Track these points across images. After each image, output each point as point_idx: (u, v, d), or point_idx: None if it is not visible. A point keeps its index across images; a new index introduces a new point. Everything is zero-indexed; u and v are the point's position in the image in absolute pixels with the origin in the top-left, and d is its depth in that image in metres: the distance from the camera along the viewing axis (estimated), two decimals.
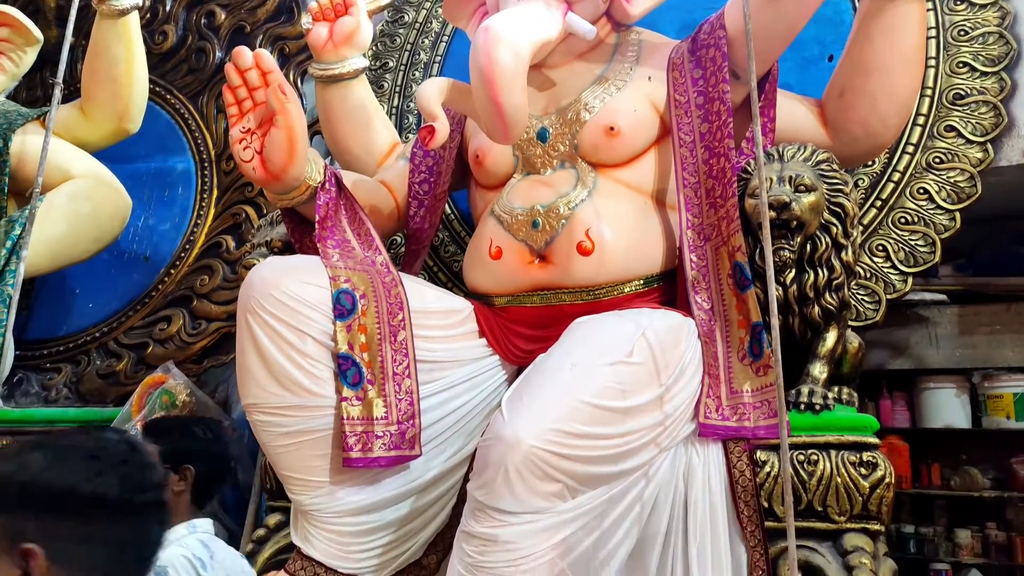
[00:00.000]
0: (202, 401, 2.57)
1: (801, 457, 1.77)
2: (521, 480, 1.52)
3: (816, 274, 1.88)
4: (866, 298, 2.45)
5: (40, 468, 0.89)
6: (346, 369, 1.78)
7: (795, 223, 1.85)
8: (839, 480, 1.73)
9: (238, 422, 2.87)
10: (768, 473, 1.77)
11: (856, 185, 2.35)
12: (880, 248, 2.41)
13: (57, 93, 2.32)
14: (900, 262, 2.38)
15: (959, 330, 3.40)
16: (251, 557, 2.10)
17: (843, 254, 1.88)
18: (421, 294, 2.00)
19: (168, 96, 3.51)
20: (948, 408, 3.45)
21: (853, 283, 2.20)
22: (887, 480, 1.71)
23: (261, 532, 2.14)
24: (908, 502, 3.62)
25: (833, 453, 1.76)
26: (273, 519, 2.15)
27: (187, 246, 3.28)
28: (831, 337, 1.93)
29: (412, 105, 3.03)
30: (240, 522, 2.62)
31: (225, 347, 3.07)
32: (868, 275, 2.40)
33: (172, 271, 3.24)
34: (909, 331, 3.46)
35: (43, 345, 3.27)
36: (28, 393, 3.04)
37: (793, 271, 1.89)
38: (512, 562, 1.53)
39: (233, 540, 2.59)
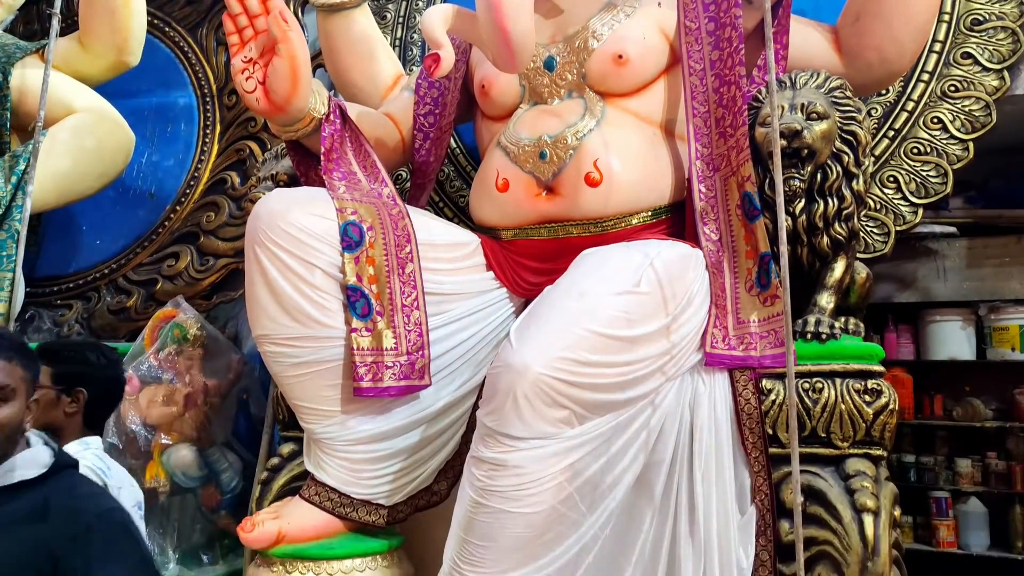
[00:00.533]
0: (213, 335, 2.60)
1: (806, 385, 1.78)
2: (529, 406, 1.55)
3: (826, 204, 1.86)
4: (875, 230, 2.44)
5: None
6: (355, 301, 1.79)
7: (806, 152, 1.82)
8: (843, 407, 1.75)
9: (249, 356, 2.91)
10: (773, 401, 1.79)
11: (869, 115, 2.31)
12: (891, 179, 2.39)
13: (55, 24, 2.28)
14: (911, 193, 2.36)
15: (967, 263, 3.38)
16: (266, 485, 2.15)
17: (854, 183, 1.86)
18: (428, 227, 2.00)
19: (167, 29, 3.44)
20: (953, 340, 3.46)
21: (862, 214, 2.18)
22: (891, 407, 1.73)
23: (275, 461, 2.19)
24: (910, 433, 3.67)
25: (838, 381, 1.77)
26: (286, 448, 2.19)
27: (192, 183, 3.26)
28: (839, 267, 1.93)
29: (416, 36, 2.97)
30: (254, 453, 2.67)
31: (233, 283, 3.09)
32: (878, 207, 2.38)
33: (178, 208, 3.24)
34: (917, 264, 3.45)
35: (53, 282, 3.29)
36: (40, 329, 3.08)
37: (803, 201, 1.88)
38: (520, 486, 1.57)
39: (248, 470, 2.66)
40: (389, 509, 1.89)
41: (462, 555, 1.64)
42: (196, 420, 2.39)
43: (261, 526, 1.78)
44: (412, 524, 1.98)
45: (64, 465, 1.28)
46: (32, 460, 1.26)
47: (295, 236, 1.75)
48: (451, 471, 1.96)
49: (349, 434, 1.85)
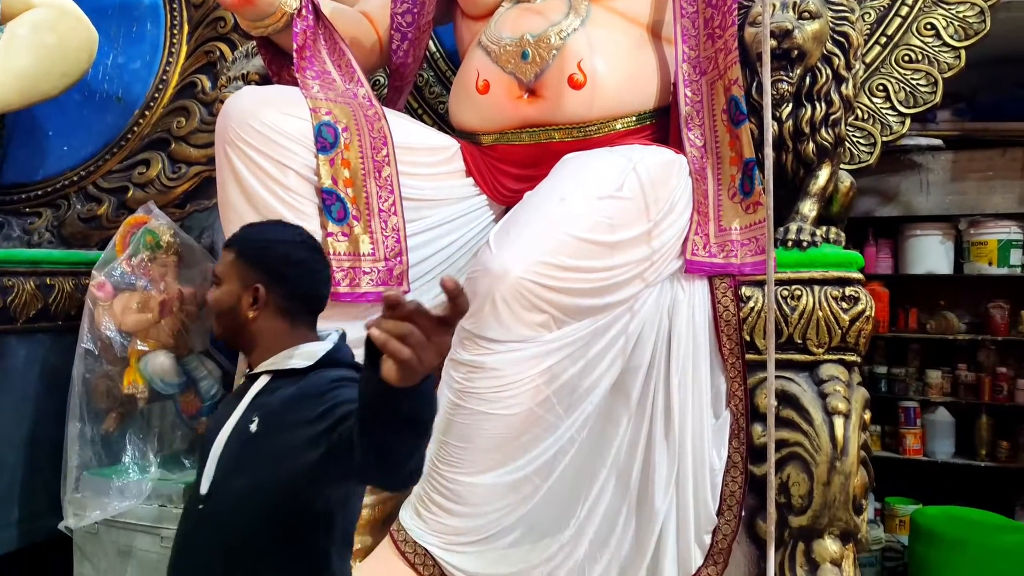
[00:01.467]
0: (187, 243, 2.55)
1: (785, 293, 1.79)
2: (508, 310, 1.54)
3: (814, 108, 1.83)
4: (861, 140, 2.40)
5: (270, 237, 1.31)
6: (330, 204, 1.75)
7: (796, 53, 1.77)
8: (820, 314, 1.76)
9: None
10: (752, 308, 1.80)
11: (862, 19, 2.24)
12: (880, 88, 2.33)
13: None
14: (900, 103, 2.31)
15: (951, 176, 3.37)
16: None
17: (843, 87, 1.82)
18: (405, 129, 1.94)
19: None
20: (932, 255, 3.48)
21: (849, 122, 2.14)
22: (867, 313, 1.74)
23: None
24: (883, 345, 3.73)
25: (817, 288, 1.78)
26: None
27: (160, 86, 3.13)
28: (823, 174, 1.90)
29: None
30: (233, 362, 2.66)
31: (207, 192, 3.02)
32: (865, 116, 2.33)
33: (147, 113, 3.12)
34: (900, 177, 3.44)
35: (21, 189, 3.19)
36: (10, 237, 3.00)
37: (790, 105, 1.84)
38: (498, 388, 1.58)
39: (227, 378, 2.66)
40: None
41: (441, 456, 1.66)
42: (172, 327, 2.36)
43: None
44: None
45: (336, 362, 1.26)
46: (306, 352, 1.26)
47: (267, 136, 1.70)
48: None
49: None
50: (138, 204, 2.93)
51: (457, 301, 0.82)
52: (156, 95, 3.13)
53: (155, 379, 2.33)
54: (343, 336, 1.33)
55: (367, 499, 1.81)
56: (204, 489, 1.25)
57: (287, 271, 1.29)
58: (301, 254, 1.31)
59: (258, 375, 1.30)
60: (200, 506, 1.25)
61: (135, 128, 3.12)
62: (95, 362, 2.29)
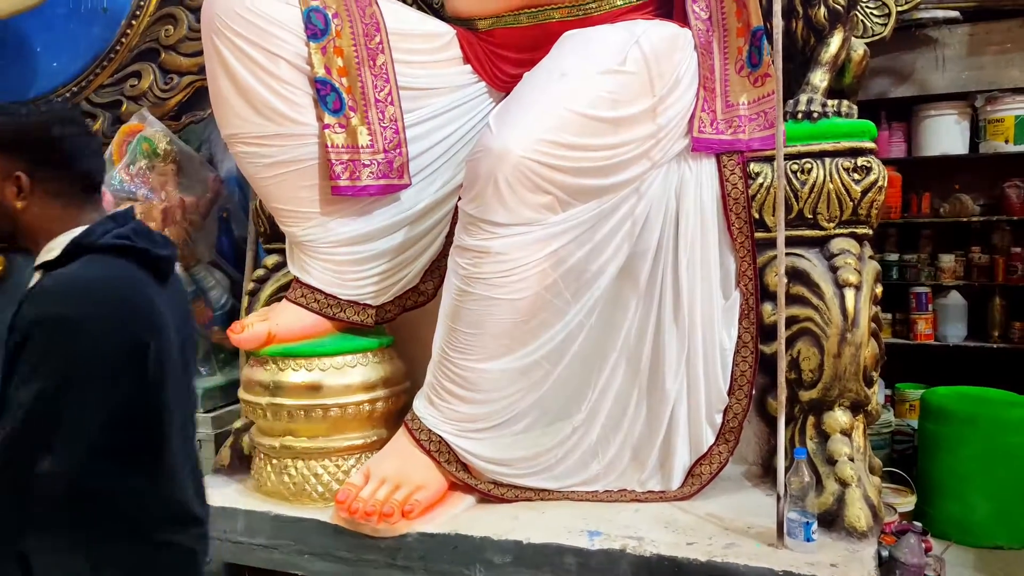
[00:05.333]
0: (185, 152, 2.51)
1: (795, 167, 1.74)
2: (511, 191, 1.51)
3: None
4: (875, 11, 2.31)
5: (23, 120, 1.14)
6: (325, 95, 1.71)
7: None
8: (831, 187, 1.72)
9: (227, 178, 2.84)
10: (760, 185, 1.76)
11: None
12: None
13: None
14: None
15: (967, 51, 3.24)
16: (253, 296, 2.15)
17: None
18: (398, 15, 1.87)
19: None
20: (946, 135, 3.38)
21: None
22: (879, 183, 1.70)
23: (260, 272, 2.18)
24: (895, 232, 3.68)
25: (827, 160, 1.73)
26: (271, 260, 2.17)
27: None
28: (835, 42, 1.83)
29: None
30: (240, 272, 2.67)
31: (201, 102, 2.95)
32: None
33: (133, 22, 3.03)
34: (915, 55, 3.31)
35: None
36: None
37: None
38: (505, 272, 1.57)
39: (235, 287, 2.67)
40: (376, 309, 1.90)
41: (451, 343, 1.66)
42: (177, 237, 2.36)
43: (250, 327, 1.79)
44: (402, 325, 2.00)
45: (87, 248, 1.11)
46: (56, 243, 1.13)
47: (255, 23, 1.63)
48: (437, 271, 1.95)
49: (330, 236, 1.82)
50: None
51: None
52: (141, 3, 3.03)
53: None
54: (117, 215, 1.18)
55: (381, 391, 1.84)
56: None
57: (47, 151, 1.15)
58: (60, 130, 1.15)
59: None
60: None
61: (123, 39, 3.04)
62: None
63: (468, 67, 1.95)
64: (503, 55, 1.94)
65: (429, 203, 1.90)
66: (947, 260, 3.55)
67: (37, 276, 1.14)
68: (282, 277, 2.12)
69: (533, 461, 1.73)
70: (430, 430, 1.71)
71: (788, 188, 1.72)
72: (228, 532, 1.76)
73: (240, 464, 2.01)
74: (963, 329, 3.53)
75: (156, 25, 3.01)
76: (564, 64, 1.61)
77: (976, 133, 3.43)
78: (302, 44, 1.68)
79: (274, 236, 2.12)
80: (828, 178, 1.72)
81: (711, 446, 1.79)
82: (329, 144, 1.71)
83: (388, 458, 1.73)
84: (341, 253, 1.84)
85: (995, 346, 3.44)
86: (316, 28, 1.69)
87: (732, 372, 1.79)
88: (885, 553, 1.77)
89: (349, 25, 1.74)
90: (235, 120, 1.70)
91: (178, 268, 2.36)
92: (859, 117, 1.84)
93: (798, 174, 1.74)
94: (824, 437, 1.68)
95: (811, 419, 1.72)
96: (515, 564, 1.55)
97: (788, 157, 1.72)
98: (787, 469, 1.48)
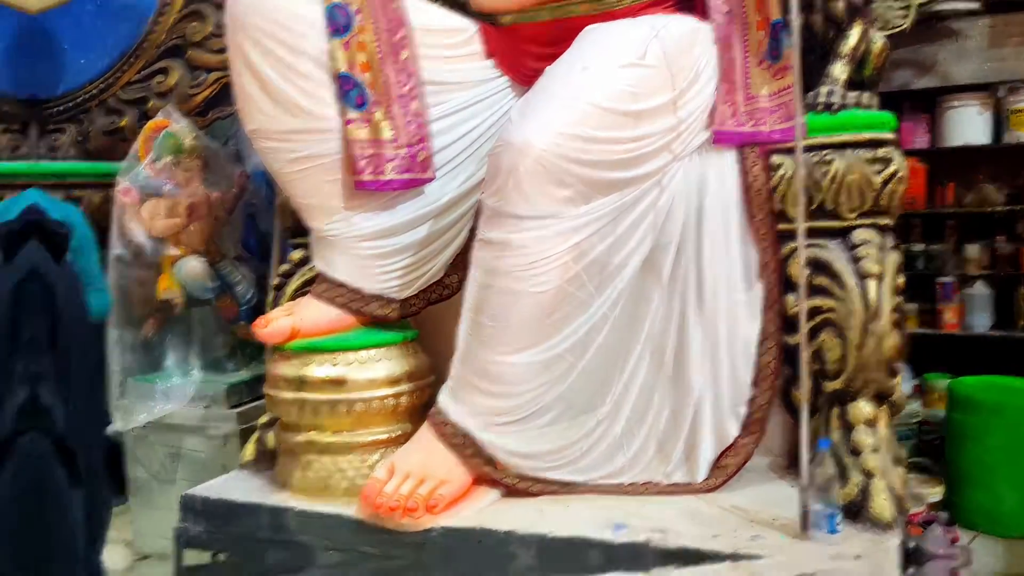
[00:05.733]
0: (211, 147, 2.55)
1: (816, 158, 1.74)
2: (532, 184, 1.53)
3: None
4: (895, 3, 2.29)
5: None
6: (348, 90, 1.73)
7: None
8: (852, 178, 1.72)
9: (253, 173, 2.88)
10: (782, 176, 1.76)
11: None
12: None
13: None
14: None
15: (989, 42, 3.22)
16: (279, 290, 2.18)
17: None
18: (420, 9, 1.88)
19: None
20: (970, 126, 3.36)
21: None
22: (900, 174, 1.70)
23: (286, 267, 2.20)
24: (920, 223, 3.66)
25: (848, 152, 1.73)
26: (297, 255, 2.20)
27: None
28: (855, 34, 1.82)
29: None
30: (266, 264, 2.70)
31: (228, 98, 2.96)
32: None
33: (160, 19, 3.09)
34: (937, 47, 3.29)
35: (44, 105, 3.20)
36: (36, 153, 3.04)
37: None
38: (527, 265, 1.58)
39: (262, 282, 2.71)
40: (401, 303, 1.92)
41: (474, 336, 1.68)
42: (204, 232, 2.39)
43: (275, 322, 1.82)
44: (427, 319, 2.02)
45: None
46: None
47: (278, 21, 1.66)
48: (461, 264, 1.96)
49: (355, 230, 1.84)
50: None
51: None
52: (168, 0, 3.09)
53: (189, 284, 2.37)
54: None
55: (405, 385, 1.85)
56: None
57: None
58: None
59: None
60: None
61: (150, 36, 3.11)
62: (127, 268, 2.34)
63: (490, 62, 1.96)
64: (526, 49, 1.95)
65: (453, 197, 1.91)
66: (972, 250, 3.54)
67: None
68: (308, 272, 2.14)
69: (559, 454, 1.75)
70: (455, 424, 1.73)
71: (809, 179, 1.72)
72: (253, 528, 1.78)
73: (265, 460, 2.03)
74: (989, 318, 3.51)
75: (183, 22, 3.07)
76: (585, 58, 1.62)
77: (999, 123, 3.40)
78: (324, 40, 1.70)
79: (300, 230, 2.14)
80: (849, 169, 1.71)
81: (736, 438, 1.79)
82: (352, 139, 1.73)
83: (412, 452, 1.75)
84: (365, 247, 1.86)
85: (1021, 335, 3.41)
86: (338, 24, 1.71)
87: (756, 364, 1.80)
88: (911, 544, 1.77)
89: (372, 20, 1.76)
90: (258, 116, 1.73)
91: (201, 262, 2.42)
92: (882, 108, 1.84)
93: (819, 165, 1.74)
94: (848, 428, 1.68)
95: (835, 410, 1.72)
96: (540, 557, 1.57)
97: (809, 148, 1.72)
98: (811, 460, 1.49)
